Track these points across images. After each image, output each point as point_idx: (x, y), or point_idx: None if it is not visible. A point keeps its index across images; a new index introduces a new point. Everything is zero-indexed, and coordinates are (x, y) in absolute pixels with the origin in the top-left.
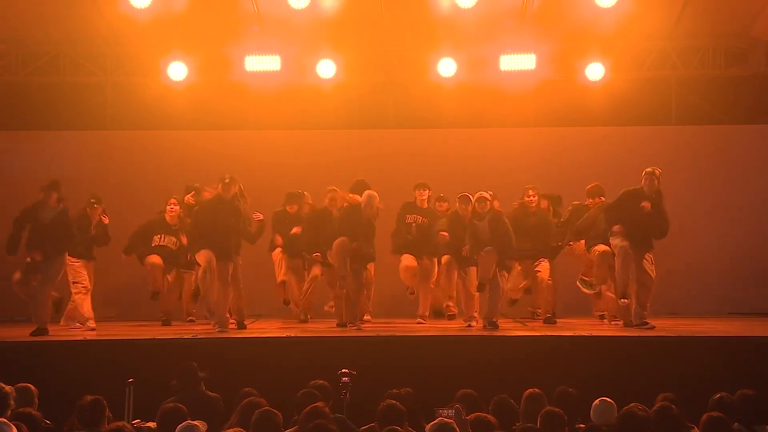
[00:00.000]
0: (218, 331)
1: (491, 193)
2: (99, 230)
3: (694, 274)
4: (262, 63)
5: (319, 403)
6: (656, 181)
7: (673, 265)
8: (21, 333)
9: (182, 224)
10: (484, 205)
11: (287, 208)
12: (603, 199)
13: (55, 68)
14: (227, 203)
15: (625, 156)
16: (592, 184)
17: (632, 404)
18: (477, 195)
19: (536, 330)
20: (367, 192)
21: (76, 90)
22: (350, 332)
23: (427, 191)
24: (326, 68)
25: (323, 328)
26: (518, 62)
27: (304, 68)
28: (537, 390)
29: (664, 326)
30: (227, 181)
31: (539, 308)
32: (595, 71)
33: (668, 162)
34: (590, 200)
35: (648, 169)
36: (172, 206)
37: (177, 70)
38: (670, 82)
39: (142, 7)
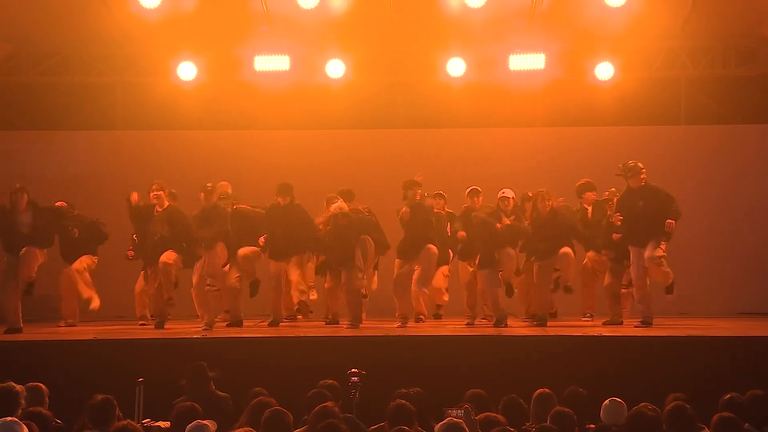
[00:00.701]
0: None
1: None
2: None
3: (703, 274)
4: (271, 63)
5: (329, 403)
6: (643, 173)
7: (682, 264)
8: (31, 332)
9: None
10: (507, 203)
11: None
12: (594, 194)
13: (66, 68)
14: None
15: (634, 155)
16: (583, 181)
17: (642, 404)
18: (500, 194)
19: (546, 330)
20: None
21: (86, 90)
22: (360, 332)
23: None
24: (335, 68)
25: (333, 328)
26: (527, 62)
27: (314, 68)
28: (547, 390)
29: (674, 326)
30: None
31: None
32: (604, 71)
33: (677, 161)
34: (587, 195)
35: (630, 163)
36: (154, 193)
37: (186, 70)
38: (679, 81)
39: (152, 8)
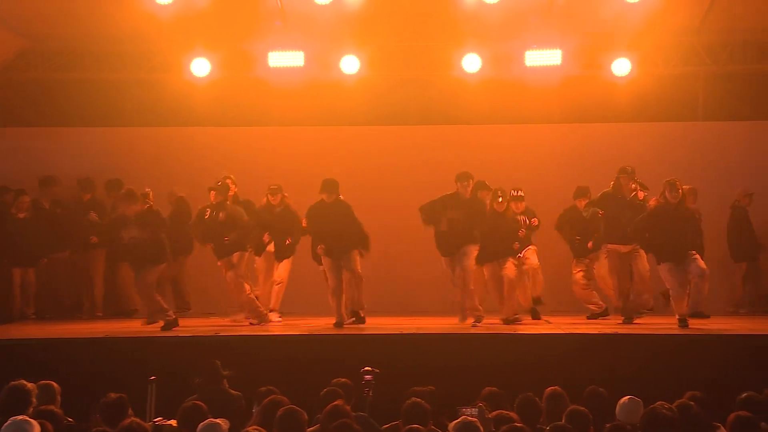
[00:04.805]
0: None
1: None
2: None
3: (721, 272)
4: (285, 59)
5: (339, 401)
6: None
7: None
8: (43, 331)
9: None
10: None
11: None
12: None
13: (79, 65)
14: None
15: (651, 152)
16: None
17: (657, 403)
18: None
19: (561, 328)
20: None
21: (99, 86)
22: (374, 330)
23: (470, 181)
24: (350, 64)
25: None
26: (544, 58)
27: (328, 64)
28: (557, 388)
29: (691, 325)
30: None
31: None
32: (621, 67)
33: (695, 158)
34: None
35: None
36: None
37: (200, 67)
38: (697, 77)
39: (166, 4)
